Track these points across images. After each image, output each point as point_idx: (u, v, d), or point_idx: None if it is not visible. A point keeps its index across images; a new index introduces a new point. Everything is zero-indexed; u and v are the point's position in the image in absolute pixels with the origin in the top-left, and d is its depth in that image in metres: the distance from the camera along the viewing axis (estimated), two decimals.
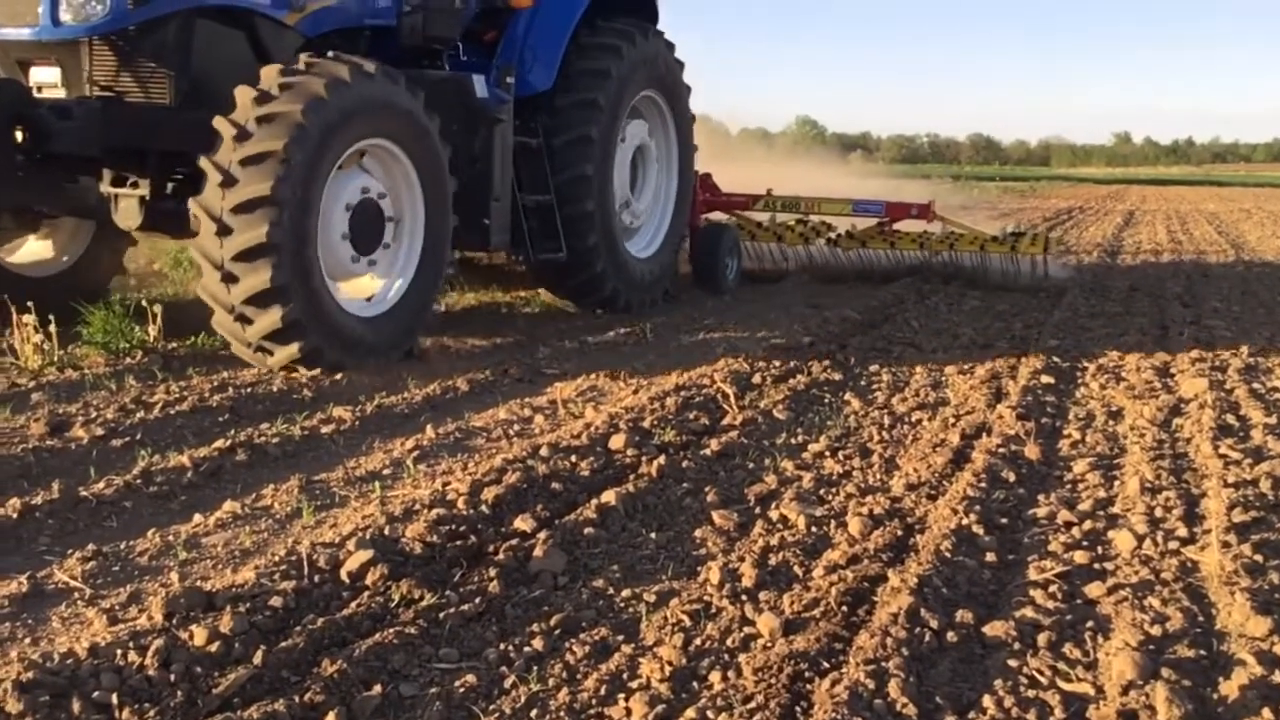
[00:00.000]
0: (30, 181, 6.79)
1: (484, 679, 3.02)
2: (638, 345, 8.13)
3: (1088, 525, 4.27)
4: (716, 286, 10.86)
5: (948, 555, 3.80)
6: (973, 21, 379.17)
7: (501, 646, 3.20)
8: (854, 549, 3.94)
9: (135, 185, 6.87)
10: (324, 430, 5.44)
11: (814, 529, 4.20)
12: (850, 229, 12.06)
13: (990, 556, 3.89)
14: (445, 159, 7.28)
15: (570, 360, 7.41)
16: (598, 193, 8.96)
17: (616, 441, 5.13)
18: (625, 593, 3.62)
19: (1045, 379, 6.86)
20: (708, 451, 5.18)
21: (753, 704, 2.85)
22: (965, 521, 4.14)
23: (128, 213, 6.87)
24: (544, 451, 4.90)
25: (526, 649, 3.20)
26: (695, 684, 3.01)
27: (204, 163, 6.26)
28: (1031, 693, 2.98)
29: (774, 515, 4.36)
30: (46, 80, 6.87)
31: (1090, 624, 3.38)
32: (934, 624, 3.26)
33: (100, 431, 5.13)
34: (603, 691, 2.96)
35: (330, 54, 6.79)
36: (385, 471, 4.87)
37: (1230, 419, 5.92)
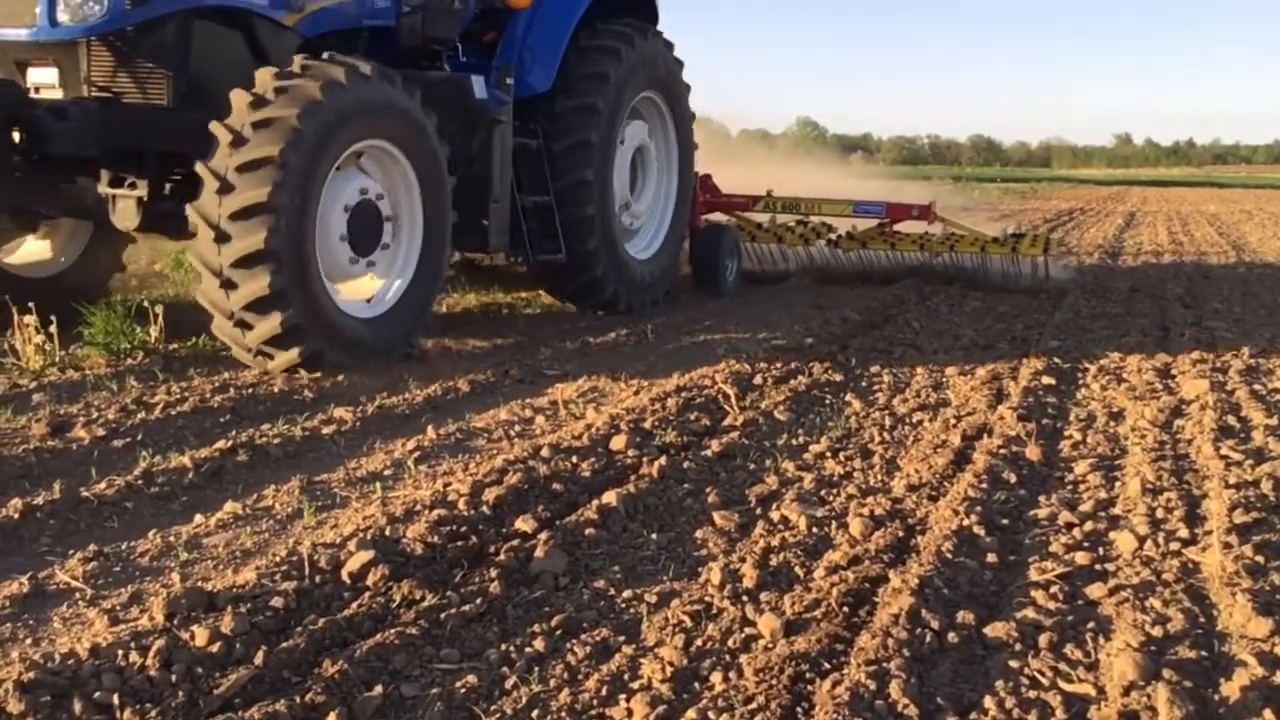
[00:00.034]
0: (28, 182, 6.76)
1: (485, 679, 3.02)
2: (639, 346, 8.13)
3: (1089, 526, 4.27)
4: (716, 288, 10.85)
5: (949, 556, 3.80)
6: (973, 22, 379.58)
7: (503, 647, 3.20)
8: (855, 550, 3.94)
9: (133, 186, 6.85)
10: (325, 431, 5.43)
11: (815, 530, 4.20)
12: (851, 230, 12.05)
13: (991, 557, 3.89)
14: (443, 157, 7.26)
15: (571, 361, 7.41)
16: (598, 197, 8.95)
17: (617, 442, 5.13)
18: (626, 593, 3.62)
19: (1046, 380, 6.86)
20: (709, 452, 5.18)
21: (754, 704, 2.85)
22: (966, 522, 4.14)
23: (125, 213, 6.86)
24: (545, 452, 4.90)
25: (528, 649, 3.20)
26: (696, 684, 3.01)
27: (200, 169, 6.23)
28: (1033, 693, 2.98)
29: (775, 516, 4.36)
30: (44, 81, 6.84)
31: (1091, 625, 3.38)
32: (935, 625, 3.26)
33: (101, 432, 5.13)
34: (604, 692, 2.95)
35: (326, 55, 6.77)
36: (386, 472, 4.87)
37: (1231, 420, 5.92)
